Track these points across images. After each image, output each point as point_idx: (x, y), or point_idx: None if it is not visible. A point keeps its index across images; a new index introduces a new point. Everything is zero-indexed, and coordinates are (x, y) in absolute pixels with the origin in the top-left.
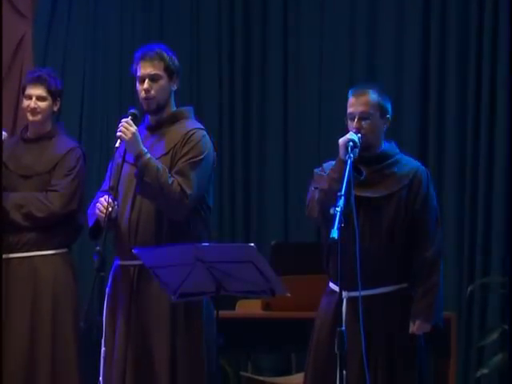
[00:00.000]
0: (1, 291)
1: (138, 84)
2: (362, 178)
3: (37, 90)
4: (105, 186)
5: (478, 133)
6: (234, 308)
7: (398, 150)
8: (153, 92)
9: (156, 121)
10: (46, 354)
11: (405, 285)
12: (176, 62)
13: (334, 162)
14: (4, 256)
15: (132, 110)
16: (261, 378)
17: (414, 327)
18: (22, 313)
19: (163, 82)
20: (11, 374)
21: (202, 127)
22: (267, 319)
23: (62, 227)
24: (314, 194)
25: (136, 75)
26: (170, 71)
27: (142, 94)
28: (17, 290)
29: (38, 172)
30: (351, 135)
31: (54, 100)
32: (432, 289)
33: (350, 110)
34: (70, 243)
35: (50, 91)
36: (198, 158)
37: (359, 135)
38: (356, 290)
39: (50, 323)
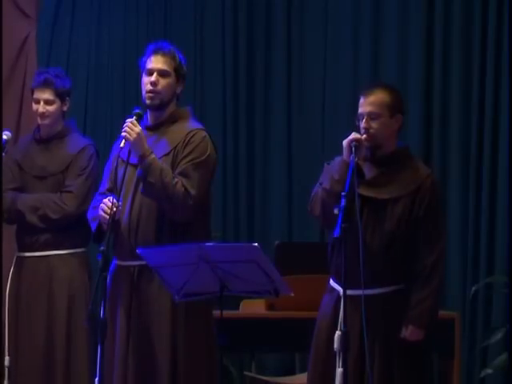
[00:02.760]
0: (0, 290)
1: (144, 76)
2: (363, 181)
3: (44, 94)
4: (102, 188)
5: (481, 132)
6: (237, 308)
7: (410, 155)
8: (159, 87)
9: (156, 120)
10: (62, 354)
11: (401, 286)
12: (185, 67)
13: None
14: (21, 254)
15: (137, 110)
16: (265, 377)
17: (407, 332)
18: (39, 312)
19: (171, 80)
20: (28, 373)
21: (203, 127)
22: (271, 319)
23: (78, 227)
24: (318, 189)
25: (144, 67)
26: (178, 73)
27: (148, 87)
28: (33, 289)
29: (51, 173)
30: (355, 135)
31: (63, 101)
32: (428, 297)
33: (359, 110)
34: (87, 242)
35: (57, 93)
36: (200, 159)
37: (364, 136)
38: (355, 288)
39: (65, 323)
